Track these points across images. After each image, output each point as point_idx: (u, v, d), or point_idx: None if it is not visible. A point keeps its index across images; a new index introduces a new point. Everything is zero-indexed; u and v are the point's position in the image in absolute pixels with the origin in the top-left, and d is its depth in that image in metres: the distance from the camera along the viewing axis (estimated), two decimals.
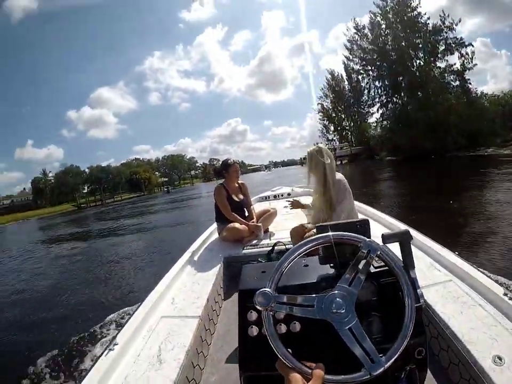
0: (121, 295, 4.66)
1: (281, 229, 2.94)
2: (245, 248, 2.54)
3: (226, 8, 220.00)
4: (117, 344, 1.32)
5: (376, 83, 41.40)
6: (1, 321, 4.32)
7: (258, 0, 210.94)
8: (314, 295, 0.66)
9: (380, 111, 41.78)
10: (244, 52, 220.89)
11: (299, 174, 29.09)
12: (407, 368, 0.79)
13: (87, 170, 72.47)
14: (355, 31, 40.61)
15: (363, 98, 49.48)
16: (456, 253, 1.89)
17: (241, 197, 2.93)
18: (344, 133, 52.73)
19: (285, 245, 2.08)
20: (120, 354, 1.30)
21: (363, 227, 0.85)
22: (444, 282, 1.65)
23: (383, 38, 36.88)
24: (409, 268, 0.78)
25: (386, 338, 0.69)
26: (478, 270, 1.66)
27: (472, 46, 31.45)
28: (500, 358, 1.14)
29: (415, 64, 34.07)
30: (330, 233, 0.73)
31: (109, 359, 1.25)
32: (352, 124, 50.92)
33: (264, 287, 0.66)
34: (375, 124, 46.61)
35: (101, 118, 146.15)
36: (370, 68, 40.54)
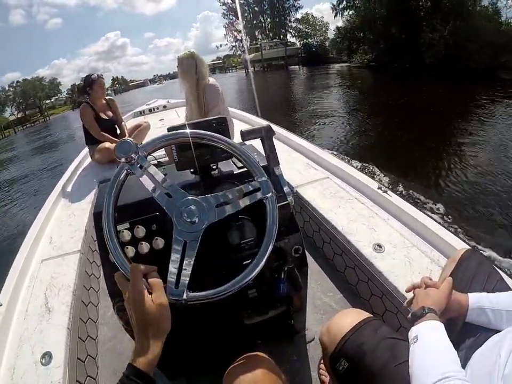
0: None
1: None
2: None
3: None
4: (1, 305, 1.42)
5: None
6: None
7: None
8: (176, 186, 0.70)
9: None
10: None
11: None
12: (285, 268, 0.93)
13: None
14: None
15: None
16: (333, 152, 2.59)
17: (110, 114, 3.20)
18: (256, 32, 49.81)
19: (156, 159, 2.29)
20: (8, 315, 1.40)
21: (220, 125, 0.94)
22: (320, 180, 2.03)
23: None
24: (273, 164, 0.88)
25: (258, 242, 0.78)
26: (354, 168, 2.08)
27: None
28: (379, 246, 1.43)
29: None
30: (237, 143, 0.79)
31: None
32: (271, 19, 48.48)
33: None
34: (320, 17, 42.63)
35: None
36: None
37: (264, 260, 0.69)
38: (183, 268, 0.64)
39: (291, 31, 47.58)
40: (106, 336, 1.60)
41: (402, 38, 22.70)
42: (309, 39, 43.04)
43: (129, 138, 0.70)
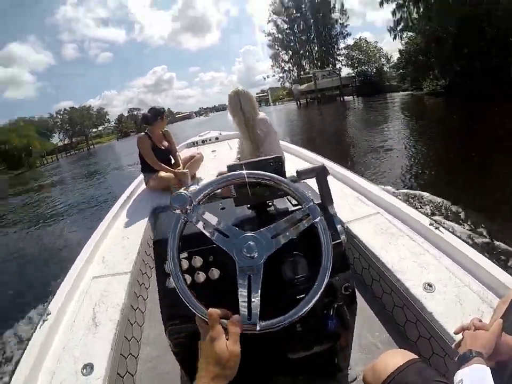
0: (52, 258, 5.55)
1: (209, 173, 3.59)
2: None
3: None
4: (50, 314, 1.53)
5: None
6: None
7: None
8: (231, 226, 0.78)
9: (398, 15, 29.78)
10: None
11: None
12: (335, 305, 0.95)
13: None
14: None
15: (334, 13, 45.26)
16: (382, 186, 2.38)
17: (166, 144, 3.52)
18: (304, 61, 49.74)
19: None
20: (55, 324, 1.51)
21: (276, 164, 0.99)
22: (371, 215, 2.05)
23: None
24: (327, 203, 0.92)
25: (310, 278, 0.82)
26: (404, 202, 2.10)
27: None
28: (430, 285, 1.42)
29: None
30: (277, 176, 0.85)
31: (44, 331, 1.45)
32: (318, 48, 48.40)
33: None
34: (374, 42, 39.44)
35: (15, 76, 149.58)
36: None
37: (325, 281, 0.75)
38: (252, 300, 0.71)
39: (340, 59, 47.52)
40: (147, 355, 1.68)
41: (481, 58, 20.30)
42: (362, 67, 41.61)
43: (183, 191, 0.79)
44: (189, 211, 0.77)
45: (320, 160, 3.20)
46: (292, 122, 24.61)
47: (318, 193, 1.03)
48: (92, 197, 11.92)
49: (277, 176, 0.86)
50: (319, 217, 0.79)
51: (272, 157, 1.02)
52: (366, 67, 41.26)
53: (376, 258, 1.69)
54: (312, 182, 1.09)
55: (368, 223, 1.97)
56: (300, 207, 0.84)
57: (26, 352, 1.37)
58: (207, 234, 0.77)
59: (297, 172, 0.97)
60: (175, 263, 0.77)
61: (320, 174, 0.96)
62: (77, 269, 1.92)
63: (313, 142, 11.34)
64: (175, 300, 0.76)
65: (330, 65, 45.73)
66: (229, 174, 0.86)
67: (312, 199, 0.82)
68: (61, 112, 78.13)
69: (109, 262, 2.07)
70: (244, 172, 0.86)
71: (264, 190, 0.97)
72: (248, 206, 1.05)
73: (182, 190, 0.79)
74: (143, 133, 3.46)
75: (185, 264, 0.92)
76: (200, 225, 0.77)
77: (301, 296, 0.78)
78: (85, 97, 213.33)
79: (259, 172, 0.87)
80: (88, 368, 1.28)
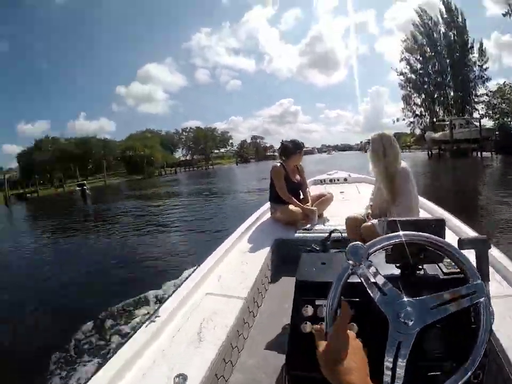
0: (167, 269, 5.97)
1: (336, 215, 3.51)
2: (298, 232, 3.10)
3: None
4: (158, 317, 1.61)
5: None
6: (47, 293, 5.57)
7: None
8: (395, 288, 0.77)
9: None
10: (295, 31, 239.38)
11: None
12: None
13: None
14: None
15: (472, 54, 41.24)
16: None
17: (298, 178, 3.59)
18: (437, 107, 45.80)
19: (341, 233, 2.32)
20: (161, 327, 1.58)
21: (438, 227, 0.96)
22: (504, 297, 1.75)
23: None
24: (485, 280, 0.85)
25: (446, 356, 0.78)
26: None
27: None
28: None
29: None
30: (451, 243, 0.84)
31: (148, 331, 1.52)
32: (454, 92, 44.82)
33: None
34: None
35: (150, 93, 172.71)
36: None
37: (475, 366, 0.71)
38: (397, 369, 0.69)
39: (478, 107, 42.46)
40: (237, 381, 1.66)
41: None
42: (505, 118, 36.04)
43: (360, 243, 0.78)
44: (360, 264, 0.77)
45: (458, 224, 2.79)
46: (422, 175, 21.22)
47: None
48: (205, 216, 12.50)
49: (453, 246, 0.84)
50: (484, 298, 0.76)
51: (433, 218, 1.03)
52: (510, 119, 36.30)
53: (500, 346, 1.41)
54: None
55: (500, 304, 1.66)
56: (451, 277, 0.85)
57: (126, 346, 1.44)
58: (369, 290, 0.77)
59: (459, 240, 0.91)
60: (331, 314, 0.76)
61: (482, 246, 0.90)
62: (192, 282, 2.00)
63: (452, 202, 10.05)
64: (306, 346, 0.74)
65: (466, 114, 41.39)
66: (409, 233, 0.84)
67: (480, 276, 0.79)
68: (187, 130, 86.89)
69: (224, 282, 2.12)
70: (427, 235, 0.85)
71: (420, 252, 0.94)
72: (397, 265, 1.02)
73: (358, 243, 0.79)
74: (278, 163, 3.57)
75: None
76: (363, 279, 0.78)
77: (433, 373, 0.77)
78: (212, 119, 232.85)
79: (440, 239, 0.85)
80: (181, 379, 1.28)
